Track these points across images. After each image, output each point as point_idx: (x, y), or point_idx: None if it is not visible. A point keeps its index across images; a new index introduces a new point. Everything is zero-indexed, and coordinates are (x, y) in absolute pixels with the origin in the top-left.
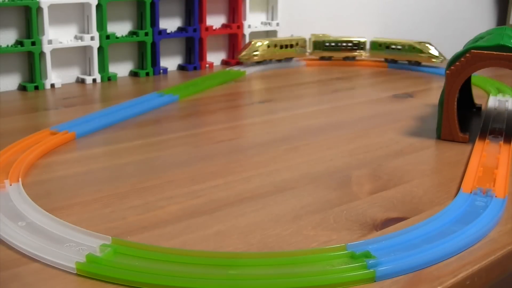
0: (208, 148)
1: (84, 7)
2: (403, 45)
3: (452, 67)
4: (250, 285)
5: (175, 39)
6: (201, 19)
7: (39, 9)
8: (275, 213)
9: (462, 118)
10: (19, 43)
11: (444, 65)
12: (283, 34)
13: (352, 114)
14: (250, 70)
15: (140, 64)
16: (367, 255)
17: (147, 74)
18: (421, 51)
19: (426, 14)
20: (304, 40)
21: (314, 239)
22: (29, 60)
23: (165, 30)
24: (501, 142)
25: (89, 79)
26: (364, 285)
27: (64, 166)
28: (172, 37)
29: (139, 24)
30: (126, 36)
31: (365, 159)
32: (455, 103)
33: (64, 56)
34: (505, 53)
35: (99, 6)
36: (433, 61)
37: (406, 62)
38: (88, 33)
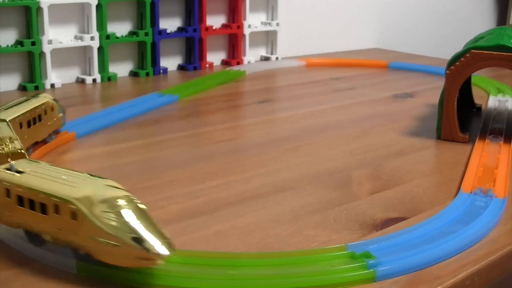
0: (208, 148)
1: (84, 7)
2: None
3: (452, 67)
4: (250, 285)
5: (175, 39)
6: (201, 19)
7: (39, 9)
8: (275, 213)
9: (462, 118)
10: (19, 43)
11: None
12: (283, 34)
13: (352, 114)
14: (250, 70)
15: (140, 64)
16: (367, 255)
17: (147, 74)
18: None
19: (426, 14)
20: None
21: (314, 239)
22: (29, 60)
23: (165, 30)
24: (501, 142)
25: (89, 79)
26: (364, 285)
27: (64, 166)
28: (172, 37)
29: (139, 24)
30: (126, 36)
31: (365, 159)
32: (455, 103)
33: (64, 56)
34: (505, 53)
35: (99, 6)
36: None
37: None
38: (88, 33)
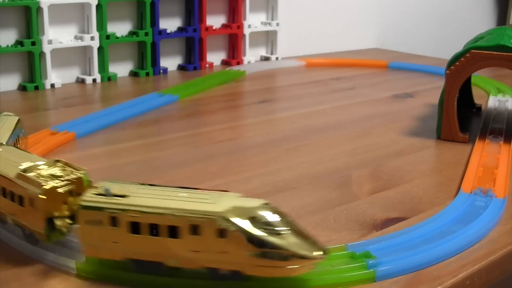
0: (208, 148)
1: (84, 7)
2: None
3: (452, 67)
4: (250, 285)
5: (175, 39)
6: (201, 19)
7: (39, 9)
8: None
9: (462, 118)
10: (19, 43)
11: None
12: (283, 34)
13: (352, 114)
14: (250, 70)
15: (140, 64)
16: (367, 255)
17: (147, 74)
18: None
19: (426, 14)
20: None
21: None
22: (29, 60)
23: (165, 30)
24: (501, 142)
25: (89, 79)
26: (364, 285)
27: None
28: (172, 37)
29: (139, 24)
30: (126, 36)
31: (365, 159)
32: (455, 103)
33: (64, 56)
34: (505, 53)
35: (99, 6)
36: None
37: None
38: (88, 33)
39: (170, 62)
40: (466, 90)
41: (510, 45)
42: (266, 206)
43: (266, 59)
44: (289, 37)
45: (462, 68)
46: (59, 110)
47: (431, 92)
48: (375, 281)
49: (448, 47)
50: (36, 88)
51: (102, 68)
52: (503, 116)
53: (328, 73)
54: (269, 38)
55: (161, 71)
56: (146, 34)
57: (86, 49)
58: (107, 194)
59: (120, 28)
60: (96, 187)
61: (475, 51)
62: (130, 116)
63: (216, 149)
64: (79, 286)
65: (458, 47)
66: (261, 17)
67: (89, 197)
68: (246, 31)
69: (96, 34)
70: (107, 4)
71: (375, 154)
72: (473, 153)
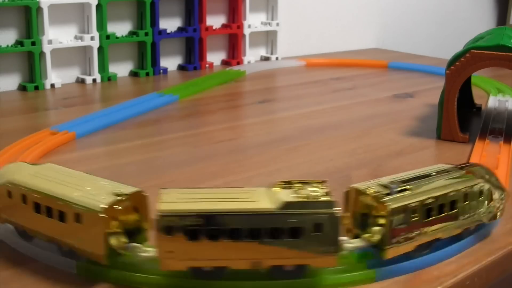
0: (208, 148)
1: (84, 7)
2: None
3: (452, 67)
4: (250, 285)
5: (175, 39)
6: (201, 19)
7: (39, 9)
8: None
9: (462, 118)
10: (19, 43)
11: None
12: (283, 34)
13: (352, 114)
14: (250, 70)
15: (140, 64)
16: (368, 255)
17: (147, 74)
18: None
19: (426, 14)
20: None
21: None
22: (29, 60)
23: (165, 30)
24: (501, 142)
25: (89, 79)
26: (364, 285)
27: (64, 166)
28: (172, 37)
29: (139, 24)
30: (126, 36)
31: (365, 159)
32: (455, 103)
33: (64, 56)
34: (505, 53)
35: (99, 6)
36: None
37: None
38: (88, 33)
39: (170, 62)
40: (466, 90)
41: (510, 45)
42: (477, 165)
43: (266, 59)
44: (289, 37)
45: (462, 68)
46: (59, 110)
47: (431, 92)
48: (375, 281)
49: (448, 47)
50: (36, 88)
51: (102, 68)
52: (503, 116)
53: (328, 73)
54: (269, 38)
55: (161, 71)
56: (146, 34)
57: (86, 49)
58: (392, 192)
59: (120, 28)
60: (371, 190)
61: (475, 51)
62: (130, 116)
63: (216, 149)
64: (79, 286)
65: (458, 47)
66: (261, 17)
67: (392, 199)
68: (246, 31)
69: (96, 34)
70: (107, 4)
71: (375, 154)
72: (473, 153)
